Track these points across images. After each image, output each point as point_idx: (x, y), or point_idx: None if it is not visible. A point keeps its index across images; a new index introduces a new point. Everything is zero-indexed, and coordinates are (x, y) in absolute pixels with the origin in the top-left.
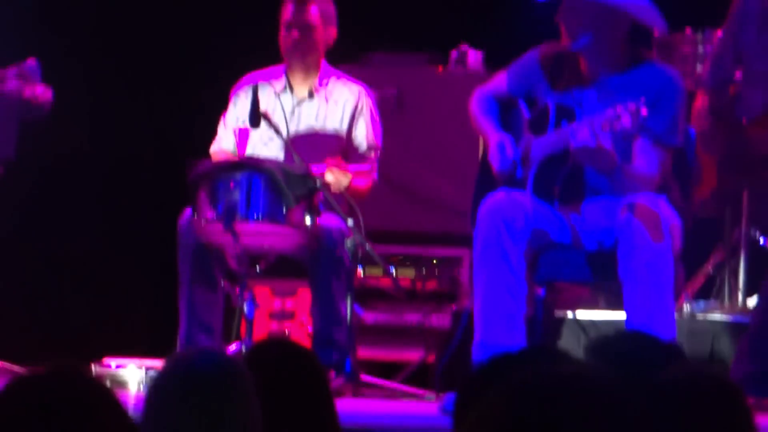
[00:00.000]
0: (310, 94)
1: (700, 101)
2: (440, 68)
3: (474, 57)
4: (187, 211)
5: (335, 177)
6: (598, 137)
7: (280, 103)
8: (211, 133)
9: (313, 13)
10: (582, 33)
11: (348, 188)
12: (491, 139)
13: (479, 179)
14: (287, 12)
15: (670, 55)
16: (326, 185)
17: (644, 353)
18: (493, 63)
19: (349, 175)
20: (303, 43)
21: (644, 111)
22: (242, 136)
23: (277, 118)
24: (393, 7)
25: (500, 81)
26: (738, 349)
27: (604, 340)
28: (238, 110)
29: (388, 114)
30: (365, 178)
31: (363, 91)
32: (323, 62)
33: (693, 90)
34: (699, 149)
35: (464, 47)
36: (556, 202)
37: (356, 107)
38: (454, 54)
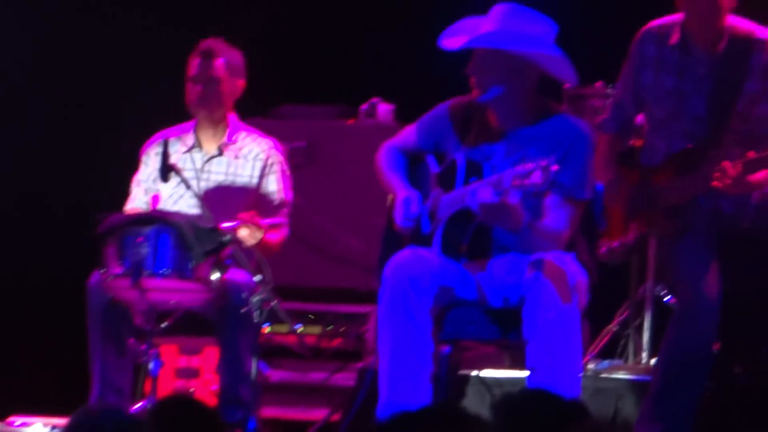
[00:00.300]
0: (220, 150)
1: (602, 146)
2: (351, 121)
3: (384, 110)
4: (96, 274)
5: (249, 231)
6: (505, 194)
7: (191, 159)
8: (124, 192)
9: (218, 66)
10: (491, 85)
11: (261, 243)
12: (397, 195)
13: (386, 235)
14: (193, 66)
15: (580, 108)
16: (235, 240)
17: (548, 412)
18: (404, 116)
19: (263, 230)
20: (208, 97)
21: (554, 167)
22: (154, 202)
23: (187, 175)
24: (304, 60)
25: (409, 134)
26: (641, 410)
27: (509, 398)
28: (149, 168)
29: (298, 167)
30: (278, 232)
31: (273, 146)
32: (232, 116)
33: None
34: (606, 197)
35: (375, 100)
36: (464, 259)
37: (266, 163)
38: (364, 107)
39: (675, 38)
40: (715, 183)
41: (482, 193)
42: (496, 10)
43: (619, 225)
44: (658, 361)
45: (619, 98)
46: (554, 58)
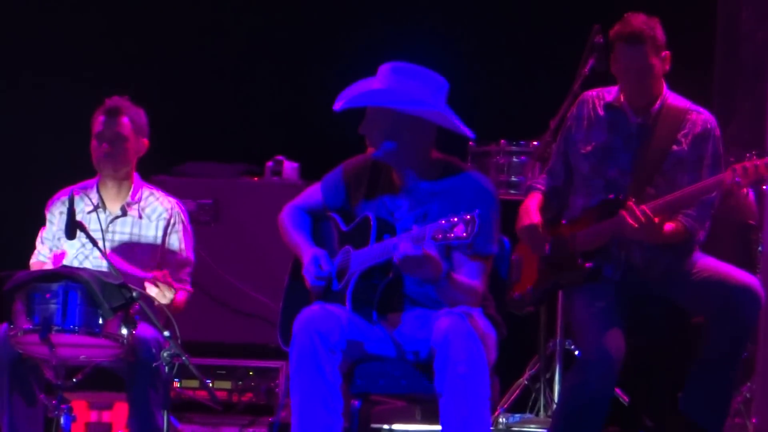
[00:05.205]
0: (123, 211)
1: (527, 201)
2: (256, 179)
3: (290, 167)
4: (3, 326)
5: (160, 290)
6: (424, 246)
7: (96, 218)
8: (29, 248)
9: (125, 123)
10: (381, 142)
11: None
12: (305, 254)
13: (288, 291)
14: (98, 123)
15: (484, 165)
16: (144, 297)
17: None
18: (309, 174)
19: (174, 289)
20: (114, 155)
21: (478, 221)
22: (57, 260)
23: (93, 234)
24: (209, 118)
25: (313, 193)
26: None
27: None
28: (54, 226)
29: (204, 224)
30: (181, 292)
31: (176, 205)
32: (135, 175)
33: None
34: (521, 245)
35: (280, 158)
36: (375, 314)
37: (169, 222)
38: (270, 164)
39: (609, 98)
40: (628, 219)
41: (403, 246)
42: (384, 69)
43: (532, 274)
44: (555, 408)
45: (552, 166)
46: (442, 116)
